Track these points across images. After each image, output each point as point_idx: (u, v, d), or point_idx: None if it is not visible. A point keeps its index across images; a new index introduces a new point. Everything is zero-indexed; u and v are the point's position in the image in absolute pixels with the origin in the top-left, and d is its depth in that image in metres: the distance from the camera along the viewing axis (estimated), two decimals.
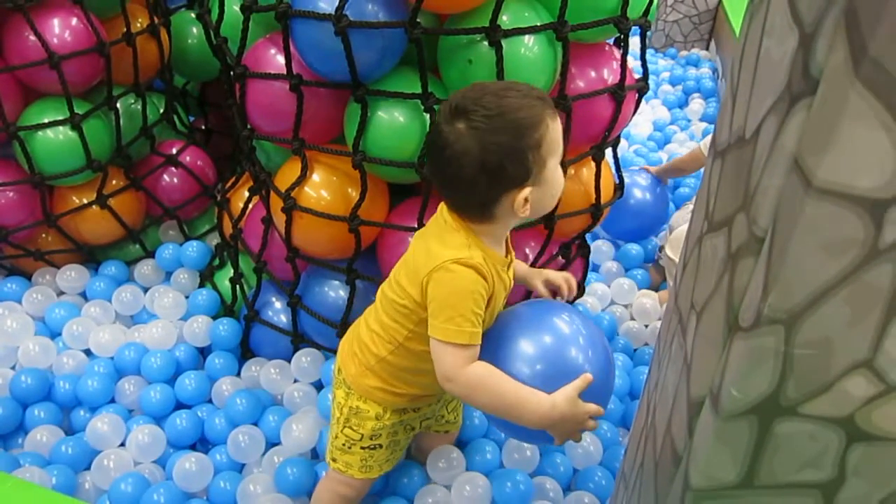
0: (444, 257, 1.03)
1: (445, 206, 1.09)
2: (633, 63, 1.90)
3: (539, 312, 1.14)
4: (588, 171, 1.54)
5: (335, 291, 1.56)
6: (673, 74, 3.54)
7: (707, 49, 3.91)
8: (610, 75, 1.44)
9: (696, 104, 3.22)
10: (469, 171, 0.99)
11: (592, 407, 1.03)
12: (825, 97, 0.43)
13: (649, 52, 3.82)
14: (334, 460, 1.28)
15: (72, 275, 1.86)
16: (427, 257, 1.06)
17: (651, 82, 3.47)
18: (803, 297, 0.46)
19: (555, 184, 1.06)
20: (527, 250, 1.56)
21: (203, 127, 2.25)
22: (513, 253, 1.16)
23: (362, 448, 1.24)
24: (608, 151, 1.55)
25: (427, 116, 1.31)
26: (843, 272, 0.45)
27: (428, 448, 1.47)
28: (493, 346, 1.08)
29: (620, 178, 1.66)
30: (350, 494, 1.30)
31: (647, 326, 1.92)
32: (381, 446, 1.25)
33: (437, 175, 1.06)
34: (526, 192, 1.01)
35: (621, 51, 1.45)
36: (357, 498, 1.32)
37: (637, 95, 1.52)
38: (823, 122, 0.43)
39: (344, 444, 1.25)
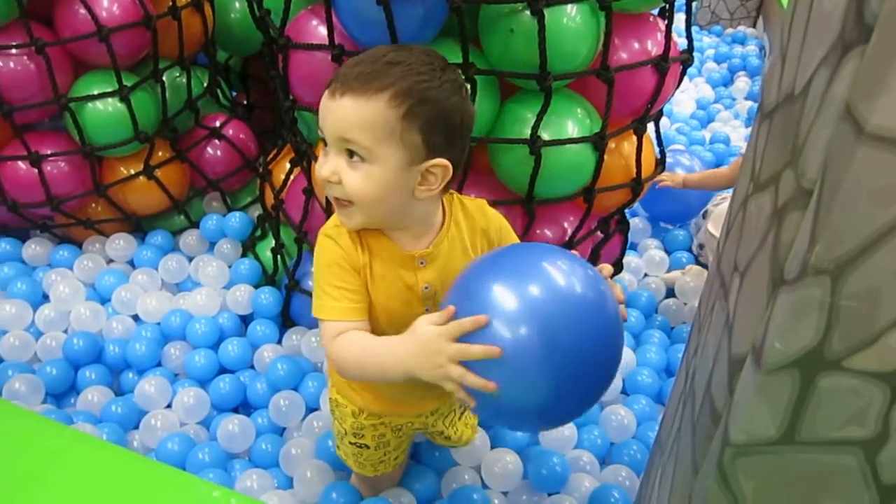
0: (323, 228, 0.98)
1: None
2: (678, 39, 1.87)
3: (528, 253, 0.88)
4: (629, 145, 1.53)
5: None
6: (718, 52, 3.47)
7: (754, 26, 3.82)
8: (653, 47, 1.42)
9: (742, 82, 3.16)
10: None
11: (467, 348, 0.79)
12: (879, 42, 0.42)
13: (694, 28, 3.73)
14: (338, 447, 1.27)
15: (120, 244, 1.92)
16: None
17: (695, 59, 3.40)
18: (851, 246, 0.46)
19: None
20: (565, 224, 1.56)
21: (245, 102, 2.28)
22: (449, 257, 0.99)
23: (350, 443, 1.19)
24: (650, 125, 1.53)
25: (468, 87, 1.31)
26: (894, 221, 0.44)
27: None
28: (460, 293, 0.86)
29: (662, 152, 1.64)
30: (363, 487, 1.30)
31: (685, 304, 1.90)
32: (367, 447, 1.18)
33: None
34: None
35: (665, 22, 1.42)
36: (369, 492, 1.31)
37: (681, 68, 1.50)
38: (876, 67, 0.42)
39: (338, 434, 1.23)
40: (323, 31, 1.38)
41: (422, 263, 0.97)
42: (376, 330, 0.97)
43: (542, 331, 0.78)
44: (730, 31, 3.79)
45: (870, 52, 0.43)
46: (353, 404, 1.14)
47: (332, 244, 0.94)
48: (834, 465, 0.56)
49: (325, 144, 0.91)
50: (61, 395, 1.61)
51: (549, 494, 1.36)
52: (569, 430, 1.46)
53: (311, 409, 1.54)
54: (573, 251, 1.02)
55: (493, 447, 1.43)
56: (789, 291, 0.50)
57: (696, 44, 3.54)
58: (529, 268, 0.83)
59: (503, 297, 0.80)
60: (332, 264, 0.94)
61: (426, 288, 0.98)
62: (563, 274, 0.82)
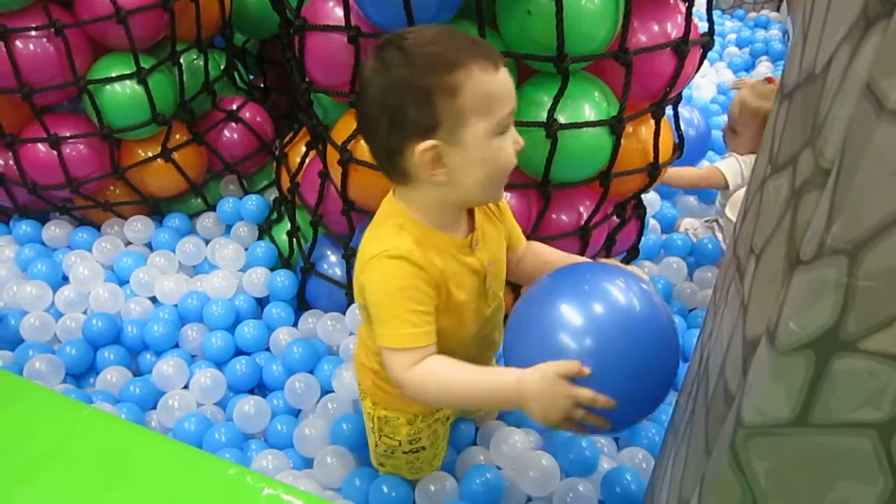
0: (368, 253, 0.91)
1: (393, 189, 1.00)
2: (698, 23, 1.84)
3: (584, 279, 0.94)
4: (647, 129, 1.51)
5: None
6: (740, 36, 3.42)
7: (777, 11, 3.75)
8: (673, 29, 1.40)
9: (764, 67, 3.11)
10: (371, 111, 0.87)
11: (584, 392, 0.85)
12: None
13: (716, 13, 3.68)
14: (381, 465, 1.25)
15: (138, 226, 1.94)
16: (359, 255, 0.96)
17: (716, 44, 3.35)
18: (869, 226, 0.45)
19: (485, 155, 0.88)
20: (581, 209, 1.55)
21: (262, 85, 2.29)
22: (493, 230, 1.02)
23: (405, 453, 1.19)
24: (668, 109, 1.52)
25: None
26: None
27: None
28: (537, 305, 0.94)
29: (680, 136, 1.62)
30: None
31: (701, 291, 1.88)
32: (423, 448, 1.18)
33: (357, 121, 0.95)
34: (429, 143, 0.86)
35: (686, 4, 1.40)
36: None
37: (701, 51, 1.48)
38: None
39: (386, 451, 1.20)
40: (339, 12, 1.38)
41: (475, 245, 0.98)
42: (440, 333, 0.94)
43: (624, 351, 0.87)
44: (753, 14, 3.73)
45: (893, 28, 0.42)
46: (409, 412, 1.13)
47: (403, 265, 0.89)
48: (848, 448, 0.56)
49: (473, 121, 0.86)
50: (81, 375, 1.63)
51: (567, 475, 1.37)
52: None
53: (326, 391, 1.55)
54: (615, 262, 1.05)
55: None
56: (805, 272, 0.49)
57: (717, 28, 3.52)
58: (597, 294, 0.90)
59: (582, 325, 0.88)
60: (407, 287, 0.89)
61: (490, 265, 1.00)
62: (626, 295, 0.90)
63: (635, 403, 0.90)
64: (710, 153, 2.41)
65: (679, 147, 1.61)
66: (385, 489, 1.27)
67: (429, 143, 0.86)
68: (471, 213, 1.00)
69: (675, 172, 1.96)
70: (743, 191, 1.80)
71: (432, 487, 1.28)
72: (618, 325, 0.87)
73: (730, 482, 0.61)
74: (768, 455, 0.58)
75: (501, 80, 0.87)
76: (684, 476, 0.78)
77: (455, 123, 0.85)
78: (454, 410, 1.22)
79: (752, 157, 1.96)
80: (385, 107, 0.86)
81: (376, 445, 1.21)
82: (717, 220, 2.11)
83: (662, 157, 1.53)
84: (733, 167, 1.95)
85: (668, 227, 2.13)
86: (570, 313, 0.89)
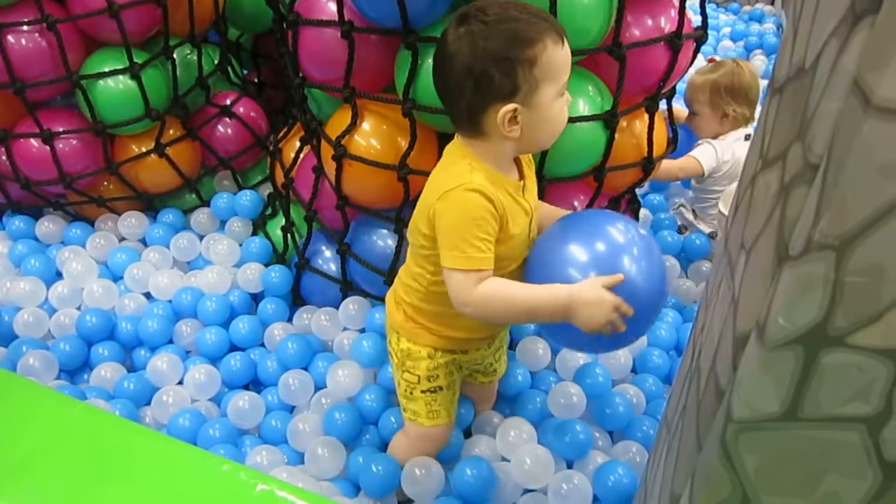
0: (445, 186, 1.03)
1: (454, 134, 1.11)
2: (692, 16, 1.84)
3: (594, 219, 1.14)
4: (641, 123, 1.51)
5: (383, 240, 1.58)
6: (735, 30, 3.42)
7: (772, 4, 3.75)
8: (667, 23, 1.40)
9: (758, 61, 3.11)
10: (457, 75, 1.00)
11: (618, 299, 1.03)
12: (888, 12, 0.41)
13: (710, 6, 3.68)
14: (404, 409, 1.29)
15: (132, 221, 1.94)
16: (430, 191, 1.08)
17: (711, 37, 3.35)
18: (856, 221, 0.45)
19: (551, 114, 1.05)
20: (575, 203, 1.55)
21: (256, 80, 2.28)
22: (531, 179, 1.16)
23: (423, 392, 1.25)
24: (662, 103, 1.51)
25: None
26: None
27: (470, 394, 1.49)
28: (545, 253, 1.11)
29: (674, 131, 1.62)
30: (426, 447, 1.31)
31: (697, 286, 1.89)
32: (441, 388, 1.25)
33: (436, 85, 1.07)
34: (510, 107, 1.00)
35: None
36: (434, 449, 1.32)
37: (694, 45, 1.47)
38: (885, 37, 0.41)
39: (406, 391, 1.26)
40: (333, 7, 1.37)
41: (525, 190, 1.12)
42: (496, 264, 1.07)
43: (647, 282, 1.07)
44: (747, 8, 3.72)
45: (879, 22, 0.42)
46: (429, 346, 1.21)
47: (479, 197, 1.02)
48: (837, 442, 0.56)
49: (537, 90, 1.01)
50: (75, 371, 1.63)
51: (569, 465, 1.37)
52: (577, 396, 1.46)
53: (320, 387, 1.55)
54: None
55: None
56: (793, 267, 0.49)
57: (712, 21, 3.52)
58: (608, 232, 1.10)
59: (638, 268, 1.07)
60: (480, 217, 1.02)
61: (533, 209, 1.15)
62: (631, 233, 1.11)
63: (643, 315, 1.08)
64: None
65: (673, 141, 1.61)
66: (374, 469, 1.30)
67: (511, 106, 1.00)
68: (518, 163, 1.14)
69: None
70: (735, 186, 1.80)
71: (417, 472, 1.29)
72: (623, 255, 1.07)
73: (720, 476, 0.62)
74: (758, 449, 0.59)
75: (566, 51, 1.03)
76: (676, 470, 0.79)
77: (530, 89, 1.00)
78: (466, 361, 1.29)
79: (725, 140, 1.99)
80: (471, 73, 0.98)
81: (398, 385, 1.28)
82: (683, 205, 2.13)
83: (656, 152, 1.53)
84: (706, 153, 1.98)
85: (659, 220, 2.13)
86: (582, 251, 1.08)
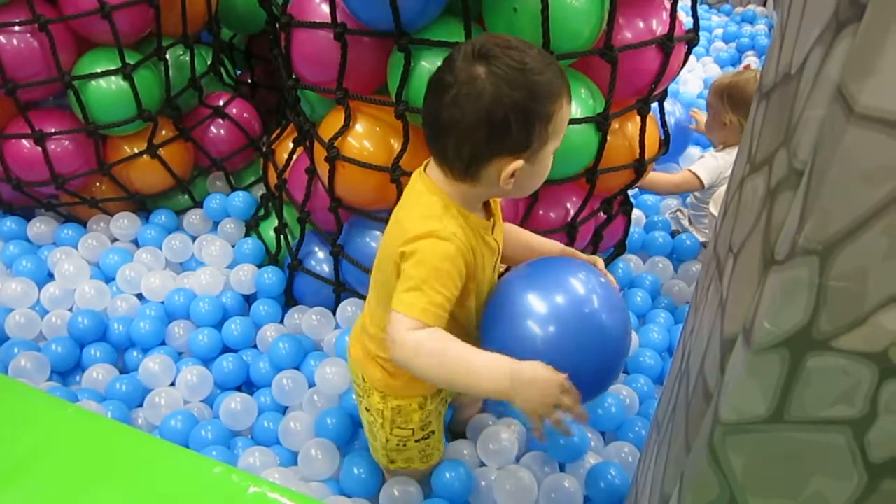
0: (416, 230, 0.96)
1: (424, 165, 1.04)
2: (684, 18, 1.85)
3: (558, 269, 1.07)
4: (633, 125, 1.52)
5: (377, 242, 1.58)
6: (727, 31, 3.43)
7: (764, 6, 3.77)
8: (658, 26, 1.41)
9: (751, 62, 3.12)
10: (470, 117, 0.91)
11: (563, 379, 0.93)
12: (871, 21, 0.42)
13: (703, 7, 3.69)
14: (392, 462, 1.24)
15: (124, 222, 1.93)
16: (398, 229, 1.00)
17: (703, 39, 3.36)
18: (840, 227, 0.46)
19: (544, 169, 1.00)
20: (568, 205, 1.56)
21: (249, 81, 2.28)
22: (498, 215, 1.10)
23: (417, 441, 1.21)
24: (654, 106, 1.52)
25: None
26: (883, 202, 0.44)
27: (461, 417, 1.48)
28: (502, 300, 1.05)
29: (666, 133, 1.63)
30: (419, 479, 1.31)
31: (689, 286, 1.90)
32: (433, 432, 1.22)
33: (433, 116, 0.95)
34: (517, 164, 0.94)
35: (671, 0, 1.41)
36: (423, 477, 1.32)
37: (686, 48, 1.48)
38: (868, 46, 0.42)
39: (398, 445, 1.21)
40: (326, 9, 1.37)
41: (493, 228, 1.06)
42: (458, 300, 1.01)
43: (580, 336, 1.00)
44: (739, 9, 3.74)
45: (862, 31, 0.43)
46: (420, 395, 1.15)
47: (450, 248, 0.96)
48: (823, 444, 0.56)
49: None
50: (66, 372, 1.62)
51: (562, 468, 1.38)
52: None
53: (313, 386, 1.55)
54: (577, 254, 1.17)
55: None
56: (779, 272, 0.50)
57: (704, 23, 3.53)
58: (564, 287, 1.03)
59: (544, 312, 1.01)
60: (445, 270, 0.96)
61: (501, 247, 1.10)
62: (584, 286, 1.04)
63: (591, 383, 1.01)
64: (690, 147, 2.43)
65: (665, 143, 1.62)
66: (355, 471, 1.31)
67: (519, 162, 0.94)
68: (486, 201, 1.09)
69: (652, 179, 1.97)
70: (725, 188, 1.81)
71: (396, 492, 1.29)
72: (578, 316, 1.01)
73: (708, 478, 0.62)
74: (745, 451, 0.59)
75: (570, 109, 0.99)
76: (666, 471, 0.79)
77: (539, 145, 0.95)
78: (450, 392, 1.24)
79: (731, 152, 1.98)
80: (490, 118, 0.91)
81: (387, 441, 1.21)
82: (680, 210, 2.14)
83: (648, 154, 1.54)
84: (707, 166, 1.96)
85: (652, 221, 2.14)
86: (538, 303, 1.02)
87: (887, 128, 0.42)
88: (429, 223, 0.97)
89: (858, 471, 0.57)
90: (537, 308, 1.01)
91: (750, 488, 0.61)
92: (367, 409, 1.20)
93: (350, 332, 1.26)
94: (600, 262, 1.12)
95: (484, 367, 0.95)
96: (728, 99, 1.94)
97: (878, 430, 0.54)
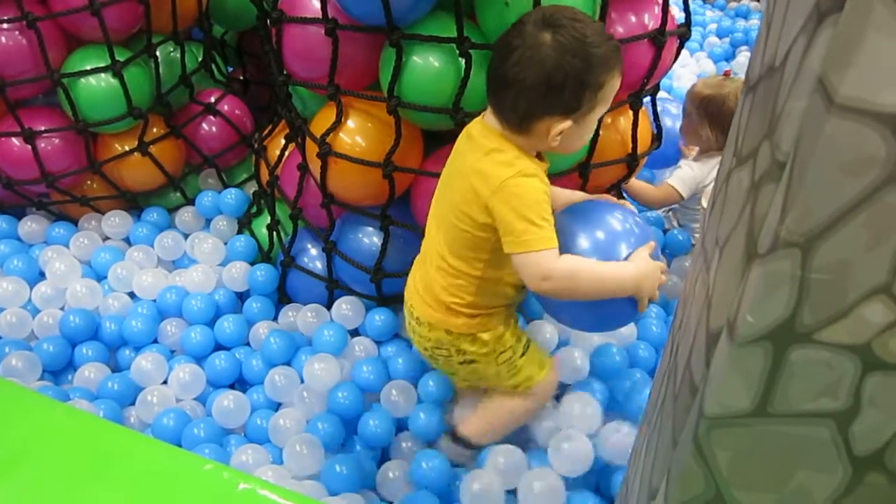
0: (501, 176, 1.07)
1: (482, 117, 1.14)
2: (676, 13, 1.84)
3: (595, 209, 1.20)
4: (625, 119, 1.52)
5: (369, 238, 1.58)
6: (721, 26, 3.42)
7: (758, 0, 3.76)
8: (650, 20, 1.40)
9: (744, 57, 3.12)
10: (531, 78, 1.02)
11: (662, 262, 1.14)
12: (851, 11, 0.41)
13: (697, 2, 3.68)
14: (516, 387, 1.31)
15: (116, 220, 1.92)
16: (483, 180, 1.09)
17: (697, 34, 3.36)
18: (821, 219, 0.45)
19: (589, 131, 1.13)
20: None
21: (241, 77, 2.27)
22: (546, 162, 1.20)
23: (522, 356, 1.29)
24: (646, 100, 1.52)
25: (462, 61, 1.30)
26: (863, 193, 0.44)
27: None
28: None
29: (658, 127, 1.62)
30: (548, 396, 1.37)
31: (682, 281, 1.90)
32: (529, 340, 1.31)
33: (498, 71, 1.07)
34: (566, 124, 1.06)
35: None
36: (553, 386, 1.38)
37: (678, 42, 1.48)
38: (848, 36, 0.41)
39: (509, 370, 1.28)
40: (317, 4, 1.37)
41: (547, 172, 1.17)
42: None
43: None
44: (733, 4, 3.74)
45: (842, 21, 0.42)
46: (499, 319, 1.25)
47: (536, 181, 1.08)
48: (807, 437, 0.56)
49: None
50: (58, 371, 1.62)
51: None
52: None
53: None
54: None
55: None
56: (761, 265, 0.50)
57: (698, 18, 3.53)
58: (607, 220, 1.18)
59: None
60: (542, 200, 1.07)
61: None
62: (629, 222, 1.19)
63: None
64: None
65: (657, 137, 1.62)
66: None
67: (567, 123, 1.06)
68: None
69: (640, 191, 1.97)
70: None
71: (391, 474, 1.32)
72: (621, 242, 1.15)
73: (693, 472, 0.62)
74: (730, 445, 0.59)
75: (620, 81, 1.10)
76: (654, 466, 0.79)
77: (588, 110, 1.07)
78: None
79: (703, 162, 1.96)
80: (548, 82, 1.02)
81: (499, 373, 1.28)
82: (673, 210, 2.14)
83: (641, 148, 1.54)
84: (684, 179, 1.94)
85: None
86: (585, 240, 1.14)
87: (867, 119, 0.42)
88: (514, 164, 1.08)
89: (843, 464, 0.57)
90: (587, 243, 1.12)
91: (735, 482, 0.61)
92: (465, 361, 1.27)
93: (408, 307, 1.30)
94: (628, 204, 1.31)
95: (616, 270, 1.11)
96: (706, 113, 1.92)
97: (861, 423, 0.54)
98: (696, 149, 2.04)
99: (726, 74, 2.08)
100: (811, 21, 0.48)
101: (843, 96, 0.42)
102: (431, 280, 1.23)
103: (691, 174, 1.95)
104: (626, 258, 1.12)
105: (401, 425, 1.47)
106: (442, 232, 1.19)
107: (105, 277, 1.79)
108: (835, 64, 0.42)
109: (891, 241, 0.45)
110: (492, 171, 1.09)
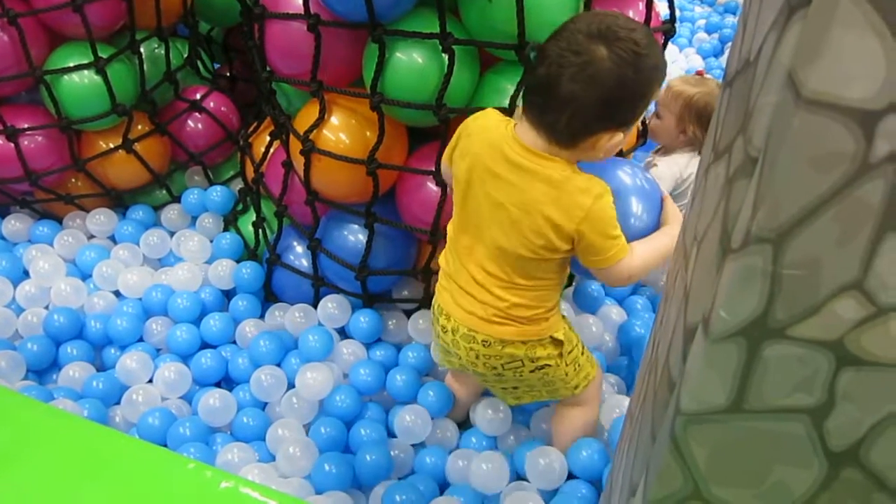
0: (584, 206, 1.06)
1: (512, 133, 1.10)
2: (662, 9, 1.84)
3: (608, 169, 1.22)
4: None
5: (354, 235, 1.57)
6: (709, 22, 3.43)
7: None
8: (635, 16, 1.40)
9: (703, 70, 3.12)
10: (591, 97, 0.99)
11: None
12: (818, 5, 0.41)
13: None
14: (576, 387, 1.31)
15: (101, 219, 1.91)
16: (564, 214, 1.07)
17: (686, 29, 3.36)
18: (791, 214, 0.45)
19: (630, 137, 1.21)
20: None
21: (227, 74, 2.26)
22: None
23: (582, 353, 1.31)
24: None
25: (445, 57, 1.30)
26: (833, 188, 0.44)
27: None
28: None
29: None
30: (597, 406, 1.40)
31: None
32: (578, 338, 1.33)
33: (548, 89, 1.01)
34: (619, 136, 1.05)
35: None
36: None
37: (663, 38, 1.48)
38: (815, 30, 0.41)
39: (575, 369, 1.29)
40: (299, 0, 1.36)
41: None
42: None
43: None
44: (722, 0, 3.74)
45: (810, 15, 0.42)
46: (563, 322, 1.28)
47: (609, 196, 1.09)
48: (782, 433, 0.56)
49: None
50: (43, 371, 1.60)
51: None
52: None
53: (293, 384, 1.54)
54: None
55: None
56: (734, 260, 0.50)
57: (687, 13, 3.53)
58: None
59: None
60: (614, 214, 1.09)
61: None
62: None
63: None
64: None
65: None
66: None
67: (619, 135, 1.05)
68: None
69: None
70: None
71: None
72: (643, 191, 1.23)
73: (671, 468, 0.62)
74: (707, 441, 0.59)
75: None
76: (635, 463, 0.79)
77: (632, 121, 1.07)
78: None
79: (681, 158, 1.94)
80: (608, 99, 1.00)
81: (566, 374, 1.29)
82: None
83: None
84: (663, 176, 1.89)
85: None
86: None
87: (835, 112, 0.42)
88: (585, 192, 1.07)
89: (819, 459, 0.57)
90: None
91: (712, 478, 0.61)
92: (536, 368, 1.26)
93: (462, 334, 1.24)
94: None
95: (670, 236, 1.17)
96: (695, 113, 1.90)
97: (836, 418, 0.54)
98: (660, 159, 2.01)
99: (700, 74, 2.07)
100: (782, 16, 0.48)
101: (811, 90, 0.41)
102: (497, 300, 1.18)
103: (668, 173, 1.92)
104: (641, 214, 1.19)
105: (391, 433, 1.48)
106: (500, 261, 1.15)
107: (90, 276, 1.77)
108: (803, 58, 0.42)
109: (861, 236, 0.45)
110: (570, 202, 1.06)
